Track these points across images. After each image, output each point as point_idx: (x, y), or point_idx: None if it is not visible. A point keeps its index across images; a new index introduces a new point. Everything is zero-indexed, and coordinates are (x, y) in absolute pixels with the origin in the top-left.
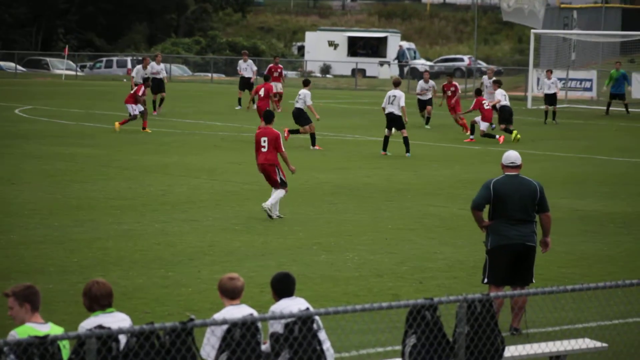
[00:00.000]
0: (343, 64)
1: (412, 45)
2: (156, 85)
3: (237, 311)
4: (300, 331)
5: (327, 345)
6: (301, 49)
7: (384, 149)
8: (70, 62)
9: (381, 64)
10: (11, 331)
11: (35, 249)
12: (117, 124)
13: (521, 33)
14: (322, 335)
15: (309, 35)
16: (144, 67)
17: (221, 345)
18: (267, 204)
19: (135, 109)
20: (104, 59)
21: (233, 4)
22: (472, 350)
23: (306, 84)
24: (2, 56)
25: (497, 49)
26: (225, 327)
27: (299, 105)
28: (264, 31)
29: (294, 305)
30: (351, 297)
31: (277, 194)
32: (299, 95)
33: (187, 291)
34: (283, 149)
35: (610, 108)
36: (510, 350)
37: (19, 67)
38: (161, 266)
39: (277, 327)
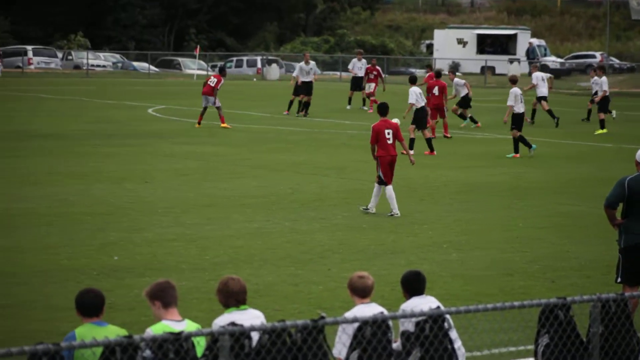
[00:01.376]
0: (472, 61)
1: (543, 42)
2: (304, 87)
3: (367, 309)
4: (432, 330)
5: (458, 344)
6: (430, 47)
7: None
8: (202, 62)
9: (511, 61)
10: (147, 328)
11: (169, 247)
12: (225, 124)
13: None
14: (453, 334)
15: (438, 33)
16: (306, 63)
17: (352, 343)
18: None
19: (216, 101)
20: (234, 59)
21: (361, 2)
22: (607, 350)
23: (412, 81)
24: (135, 57)
25: (630, 45)
26: (356, 325)
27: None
28: (392, 29)
29: (424, 303)
30: (482, 296)
31: (389, 192)
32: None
33: (318, 289)
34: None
35: None
36: None
37: (152, 67)
38: (291, 264)
39: (408, 325)
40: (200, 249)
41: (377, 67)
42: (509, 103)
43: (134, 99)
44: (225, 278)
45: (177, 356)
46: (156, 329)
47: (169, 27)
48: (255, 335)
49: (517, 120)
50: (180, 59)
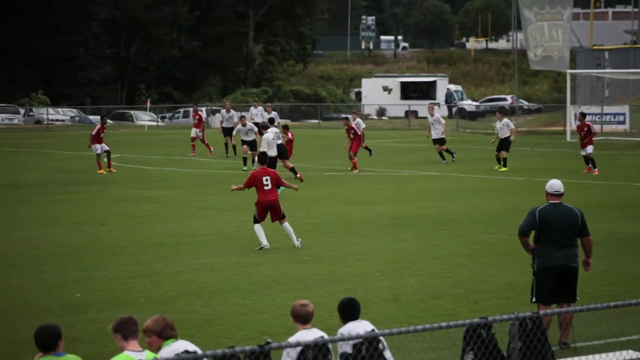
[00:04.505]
0: (397, 106)
1: (459, 88)
2: (226, 131)
3: (309, 334)
4: (367, 351)
5: None
6: (358, 94)
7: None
8: (152, 114)
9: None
10: (111, 358)
11: (126, 283)
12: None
13: (556, 73)
14: (388, 354)
15: (365, 82)
16: (227, 111)
17: None
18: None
19: (98, 148)
20: (182, 110)
21: (295, 56)
22: None
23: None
24: (92, 111)
25: (537, 88)
26: (299, 349)
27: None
28: (324, 79)
29: (360, 327)
30: (412, 318)
31: (289, 227)
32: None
33: (264, 317)
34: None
35: None
36: None
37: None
38: (239, 295)
39: (346, 347)
40: (154, 284)
41: (199, 113)
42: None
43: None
44: (158, 316)
45: None
46: (118, 359)
47: (120, 83)
48: None
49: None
50: (132, 112)
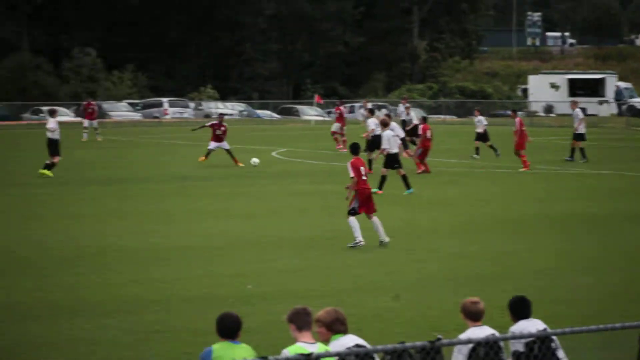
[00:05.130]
0: (564, 103)
1: (630, 85)
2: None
3: (480, 332)
4: (540, 349)
5: None
6: (525, 91)
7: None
8: (318, 108)
9: (600, 102)
10: (284, 349)
11: (297, 276)
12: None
13: None
14: (561, 353)
15: (532, 78)
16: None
17: None
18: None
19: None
20: (347, 105)
21: (460, 52)
22: None
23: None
24: (259, 105)
25: None
26: (470, 346)
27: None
28: (489, 75)
29: (532, 326)
30: (585, 318)
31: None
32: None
33: (434, 313)
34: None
35: None
36: None
37: (273, 114)
38: (409, 290)
39: (519, 346)
40: (325, 277)
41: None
42: (384, 146)
43: (259, 143)
44: (331, 309)
45: None
46: (291, 350)
47: (286, 78)
48: (376, 357)
49: (390, 160)
50: (298, 107)
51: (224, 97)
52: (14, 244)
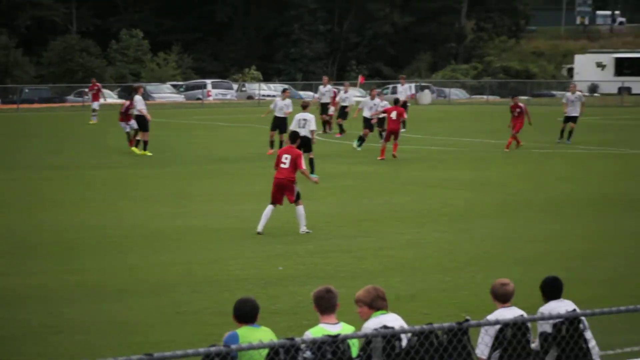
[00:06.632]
0: (610, 83)
1: None
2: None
3: (508, 313)
4: (568, 331)
5: (592, 343)
6: (570, 71)
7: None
8: (361, 90)
9: None
10: (306, 331)
11: (328, 257)
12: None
13: None
14: (588, 334)
15: (578, 58)
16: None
17: (494, 344)
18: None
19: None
20: (390, 86)
21: (507, 32)
22: None
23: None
24: (302, 86)
25: None
26: (498, 327)
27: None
28: (535, 55)
29: (561, 307)
30: (616, 299)
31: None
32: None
33: (463, 294)
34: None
35: None
36: None
37: (315, 95)
38: (439, 271)
39: (546, 327)
40: (356, 258)
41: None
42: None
43: None
44: (370, 286)
45: (335, 357)
46: (314, 332)
47: (332, 59)
48: (404, 337)
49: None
50: (340, 87)
51: (267, 79)
52: (62, 226)
